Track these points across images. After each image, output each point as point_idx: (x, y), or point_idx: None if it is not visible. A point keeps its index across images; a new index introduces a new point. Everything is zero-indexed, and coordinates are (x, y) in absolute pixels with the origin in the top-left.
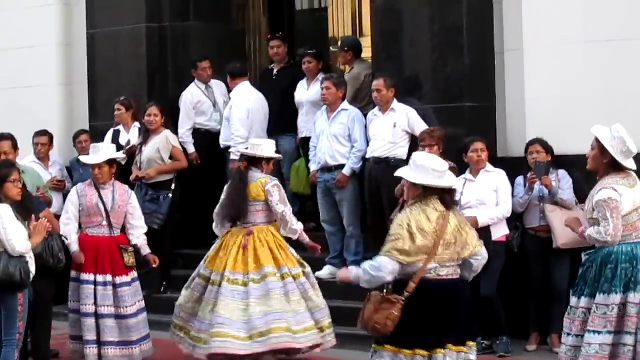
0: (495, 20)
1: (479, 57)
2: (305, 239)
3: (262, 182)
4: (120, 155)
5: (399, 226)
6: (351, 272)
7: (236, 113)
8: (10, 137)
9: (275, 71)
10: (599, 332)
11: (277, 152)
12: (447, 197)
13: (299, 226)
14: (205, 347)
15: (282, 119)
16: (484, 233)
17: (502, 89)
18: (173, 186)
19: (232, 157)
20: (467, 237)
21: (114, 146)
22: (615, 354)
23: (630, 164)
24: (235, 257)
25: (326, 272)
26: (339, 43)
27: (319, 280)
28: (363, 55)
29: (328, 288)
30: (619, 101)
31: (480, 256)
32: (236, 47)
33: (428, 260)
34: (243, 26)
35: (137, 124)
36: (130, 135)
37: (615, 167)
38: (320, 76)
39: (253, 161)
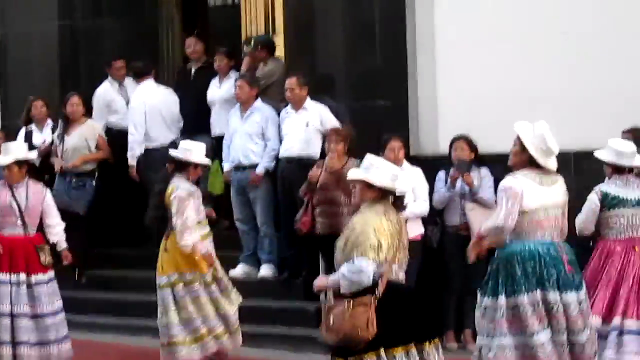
0: (408, 17)
1: (392, 55)
2: (198, 252)
3: (169, 191)
4: (30, 155)
5: (365, 225)
6: (328, 280)
7: (131, 117)
8: None
9: (192, 70)
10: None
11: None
12: (398, 201)
13: (188, 241)
14: None
15: (200, 119)
16: None
17: (414, 88)
18: (96, 175)
19: (130, 161)
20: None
21: (25, 146)
22: (530, 353)
23: (551, 163)
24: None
25: (239, 270)
26: (252, 42)
27: (234, 279)
28: (276, 52)
29: (242, 287)
30: (530, 99)
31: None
32: (149, 44)
33: (392, 262)
34: (156, 23)
35: (50, 122)
36: (44, 134)
37: (532, 165)
38: (232, 74)
39: (180, 165)
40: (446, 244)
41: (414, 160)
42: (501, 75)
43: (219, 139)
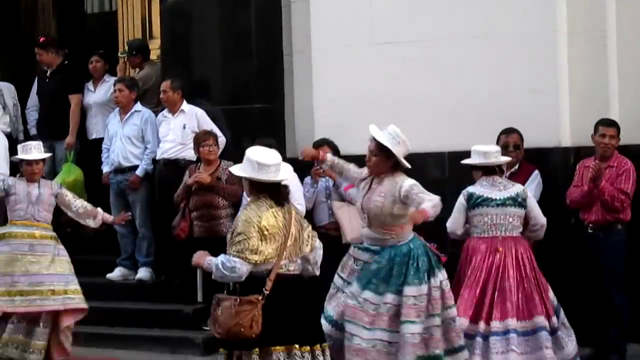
0: (284, 23)
1: (268, 59)
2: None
3: None
4: None
5: (246, 224)
6: (205, 260)
7: None
8: None
9: (48, 73)
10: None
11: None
12: (276, 192)
13: None
14: None
15: (56, 124)
16: None
17: (290, 91)
18: None
19: None
20: (305, 231)
21: None
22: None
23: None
24: None
25: (117, 273)
26: (126, 48)
27: (111, 282)
28: (153, 57)
29: (119, 289)
30: (403, 102)
31: (318, 247)
32: (24, 50)
33: (280, 257)
34: (32, 28)
35: None
36: None
37: (397, 168)
38: (107, 78)
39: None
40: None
41: (290, 162)
42: (375, 79)
43: (96, 141)
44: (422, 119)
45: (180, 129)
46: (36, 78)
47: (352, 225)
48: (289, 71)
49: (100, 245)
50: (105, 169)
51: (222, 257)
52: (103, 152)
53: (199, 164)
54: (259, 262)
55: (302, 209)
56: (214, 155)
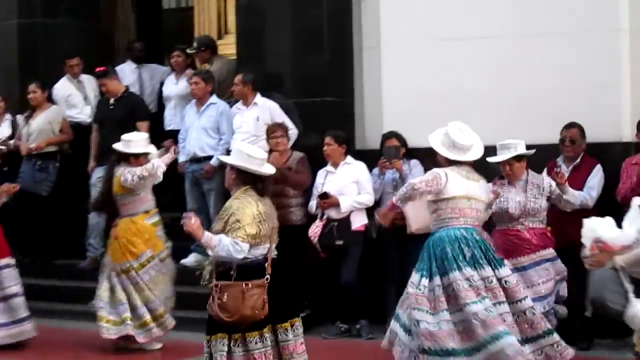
0: (354, 19)
1: (338, 54)
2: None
3: (118, 177)
4: None
5: (243, 214)
6: (204, 235)
7: None
8: None
9: (111, 100)
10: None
11: None
12: (259, 185)
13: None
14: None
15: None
16: (344, 222)
17: (360, 85)
18: (59, 157)
19: None
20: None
21: None
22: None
23: (468, 156)
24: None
25: (192, 259)
26: (194, 44)
27: (184, 267)
28: (227, 52)
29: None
30: (469, 97)
31: None
32: (104, 43)
33: (272, 243)
34: (112, 23)
35: (9, 117)
36: (2, 128)
37: (453, 163)
38: (189, 71)
39: (122, 157)
40: (384, 234)
41: (359, 154)
42: (441, 73)
43: (172, 133)
44: (486, 114)
45: (254, 121)
46: (97, 103)
47: (417, 215)
48: (358, 66)
49: (175, 232)
50: (181, 158)
51: (228, 239)
52: (179, 142)
53: (271, 153)
54: (257, 244)
55: (370, 198)
56: (282, 147)
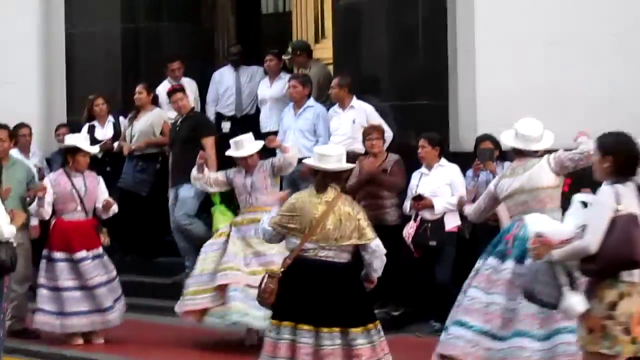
0: (449, 22)
1: (434, 56)
2: None
3: None
4: (93, 150)
5: (288, 203)
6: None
7: None
8: (5, 127)
9: (178, 122)
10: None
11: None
12: (326, 179)
13: None
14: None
15: (185, 169)
16: (437, 223)
17: (454, 87)
18: (160, 159)
19: None
20: (352, 227)
21: (86, 137)
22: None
23: (537, 146)
24: None
25: None
26: (289, 49)
27: None
28: (324, 55)
29: None
30: (562, 98)
31: (370, 249)
32: (205, 46)
33: (304, 240)
34: (212, 27)
35: (111, 119)
36: (106, 129)
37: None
38: (282, 74)
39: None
40: (478, 235)
41: (454, 156)
42: (536, 75)
43: (266, 134)
44: (581, 114)
45: (350, 124)
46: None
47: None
48: (453, 68)
49: None
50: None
51: (266, 218)
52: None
53: (369, 155)
54: (281, 232)
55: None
56: (378, 149)
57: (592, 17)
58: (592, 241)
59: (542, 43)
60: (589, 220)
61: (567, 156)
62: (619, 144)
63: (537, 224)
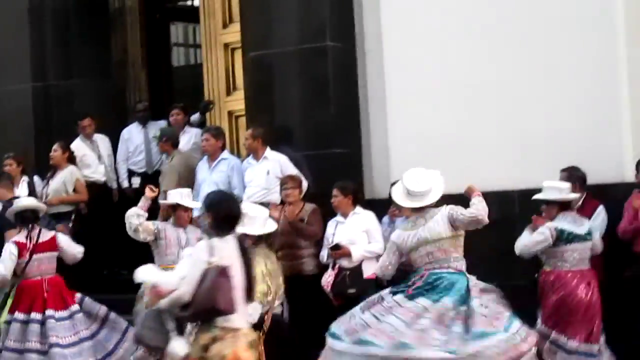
0: (359, 69)
1: (345, 105)
2: None
3: None
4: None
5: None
6: None
7: None
8: None
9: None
10: None
11: None
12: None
13: None
14: None
15: None
16: (356, 270)
17: (367, 134)
18: (73, 216)
19: None
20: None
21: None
22: None
23: (425, 201)
24: None
25: None
26: (157, 132)
27: None
28: (237, 107)
29: None
30: (473, 143)
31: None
32: (117, 102)
33: (275, 299)
34: (123, 83)
35: (25, 179)
36: (20, 189)
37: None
38: (187, 128)
39: None
40: (396, 282)
41: (369, 203)
42: (446, 123)
43: None
44: (493, 158)
45: (264, 175)
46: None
47: None
48: (365, 116)
49: None
50: (196, 213)
51: None
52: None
53: (284, 205)
54: (269, 302)
55: (380, 247)
56: (292, 198)
57: (497, 64)
58: (186, 291)
59: (452, 88)
60: (187, 271)
61: (459, 217)
62: (219, 203)
63: (148, 274)
